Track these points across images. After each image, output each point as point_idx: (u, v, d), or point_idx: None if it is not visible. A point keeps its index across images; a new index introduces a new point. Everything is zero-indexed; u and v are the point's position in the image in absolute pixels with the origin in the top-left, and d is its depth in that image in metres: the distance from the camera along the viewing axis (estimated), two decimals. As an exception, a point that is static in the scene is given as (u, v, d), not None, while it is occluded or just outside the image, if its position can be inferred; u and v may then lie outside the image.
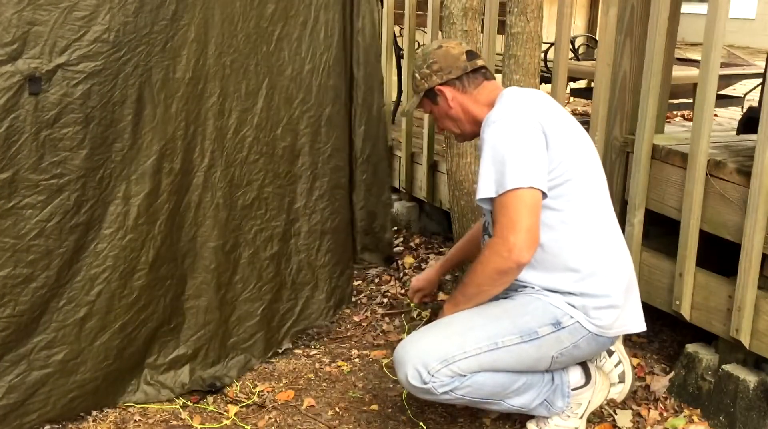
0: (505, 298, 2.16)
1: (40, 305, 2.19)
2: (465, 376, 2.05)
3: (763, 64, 4.28)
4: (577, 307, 2.10)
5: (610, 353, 2.41)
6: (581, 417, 2.27)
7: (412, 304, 3.12)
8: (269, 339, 2.76)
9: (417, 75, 2.32)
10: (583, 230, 2.12)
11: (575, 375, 2.26)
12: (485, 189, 2.05)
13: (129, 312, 2.36)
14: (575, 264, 2.10)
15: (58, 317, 2.23)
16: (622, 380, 2.42)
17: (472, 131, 2.31)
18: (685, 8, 3.22)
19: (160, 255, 2.41)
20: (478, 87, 2.28)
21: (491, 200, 2.06)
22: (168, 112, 2.37)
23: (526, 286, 2.15)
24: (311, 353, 2.84)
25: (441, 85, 2.27)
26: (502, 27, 3.05)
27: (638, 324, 2.23)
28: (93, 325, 2.29)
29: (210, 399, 2.52)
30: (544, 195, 2.04)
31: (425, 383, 2.05)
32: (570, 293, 2.11)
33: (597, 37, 3.68)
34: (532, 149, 2.04)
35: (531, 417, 2.29)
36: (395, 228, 3.94)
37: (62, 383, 2.26)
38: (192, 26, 2.38)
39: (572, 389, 2.24)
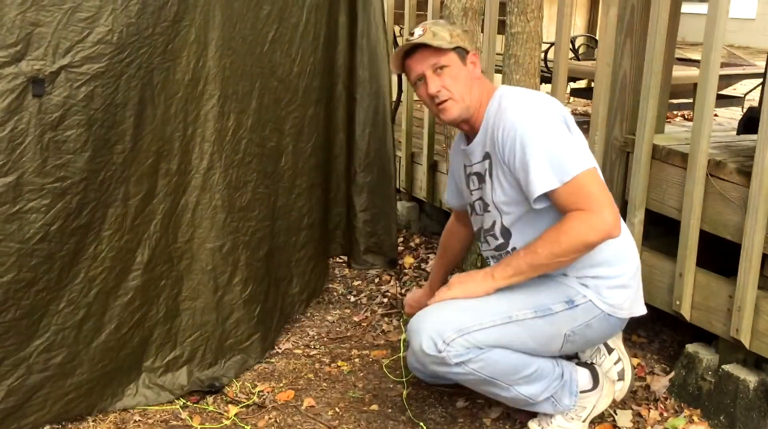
0: None
1: (41, 308, 2.18)
2: (481, 349, 2.05)
3: (763, 64, 4.28)
4: (590, 287, 2.13)
5: (610, 350, 2.42)
6: (584, 421, 2.27)
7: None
8: (265, 340, 2.76)
9: (452, 29, 2.22)
10: None
11: (584, 377, 2.27)
12: (545, 182, 2.01)
13: (124, 312, 2.36)
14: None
15: (58, 320, 2.22)
16: (621, 378, 2.42)
17: (469, 115, 2.22)
18: (685, 8, 3.22)
19: (155, 255, 2.41)
20: (485, 78, 2.29)
21: (546, 197, 2.04)
22: (167, 114, 2.36)
23: None
24: (311, 353, 2.84)
25: (474, 54, 2.24)
26: (502, 27, 3.05)
27: (642, 307, 2.27)
28: (90, 327, 2.29)
29: (210, 399, 2.52)
30: None
31: (440, 352, 2.04)
32: (583, 276, 2.13)
33: (597, 37, 3.68)
34: (570, 137, 2.08)
35: (533, 416, 2.29)
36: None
37: (60, 385, 2.25)
38: (193, 28, 2.37)
39: (580, 391, 2.24)
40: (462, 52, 2.20)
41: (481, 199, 2.27)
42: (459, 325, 2.05)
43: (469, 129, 2.26)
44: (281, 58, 2.72)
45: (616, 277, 2.15)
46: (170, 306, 2.49)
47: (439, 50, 2.15)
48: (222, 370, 2.59)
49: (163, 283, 2.46)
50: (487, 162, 2.20)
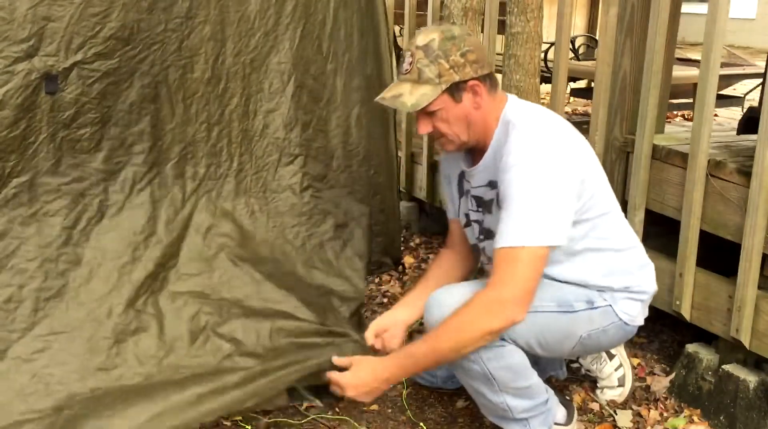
0: None
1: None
2: (502, 338, 1.96)
3: (763, 64, 4.28)
4: (607, 297, 2.12)
5: (611, 356, 2.43)
6: None
7: None
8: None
9: (444, 62, 1.89)
10: (618, 250, 2.14)
11: (561, 413, 2.23)
12: (510, 237, 1.86)
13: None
14: (608, 281, 2.12)
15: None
16: (621, 384, 2.43)
17: (475, 143, 2.04)
18: (685, 8, 3.22)
19: (191, 264, 2.30)
20: (497, 91, 2.00)
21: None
22: (187, 114, 2.28)
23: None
24: (311, 353, 2.84)
25: (475, 79, 1.92)
26: (502, 27, 3.05)
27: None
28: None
29: (210, 399, 2.51)
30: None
31: None
32: (602, 286, 2.11)
33: (597, 37, 3.68)
34: (564, 199, 1.90)
35: None
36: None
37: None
38: (207, 24, 2.31)
39: (554, 423, 2.20)
40: (454, 88, 1.92)
41: (481, 225, 2.16)
42: None
43: (475, 151, 2.10)
44: (313, 55, 2.61)
45: (632, 288, 2.14)
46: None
47: None
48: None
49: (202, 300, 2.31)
50: (495, 191, 2.02)
